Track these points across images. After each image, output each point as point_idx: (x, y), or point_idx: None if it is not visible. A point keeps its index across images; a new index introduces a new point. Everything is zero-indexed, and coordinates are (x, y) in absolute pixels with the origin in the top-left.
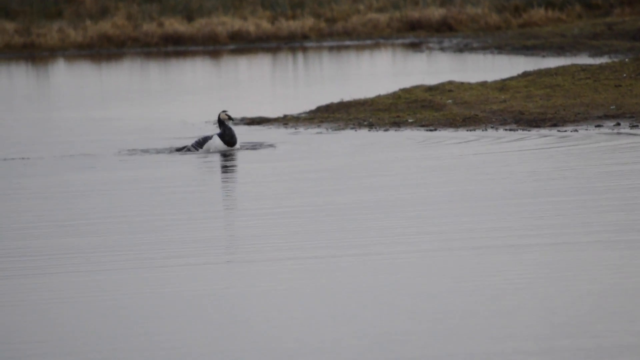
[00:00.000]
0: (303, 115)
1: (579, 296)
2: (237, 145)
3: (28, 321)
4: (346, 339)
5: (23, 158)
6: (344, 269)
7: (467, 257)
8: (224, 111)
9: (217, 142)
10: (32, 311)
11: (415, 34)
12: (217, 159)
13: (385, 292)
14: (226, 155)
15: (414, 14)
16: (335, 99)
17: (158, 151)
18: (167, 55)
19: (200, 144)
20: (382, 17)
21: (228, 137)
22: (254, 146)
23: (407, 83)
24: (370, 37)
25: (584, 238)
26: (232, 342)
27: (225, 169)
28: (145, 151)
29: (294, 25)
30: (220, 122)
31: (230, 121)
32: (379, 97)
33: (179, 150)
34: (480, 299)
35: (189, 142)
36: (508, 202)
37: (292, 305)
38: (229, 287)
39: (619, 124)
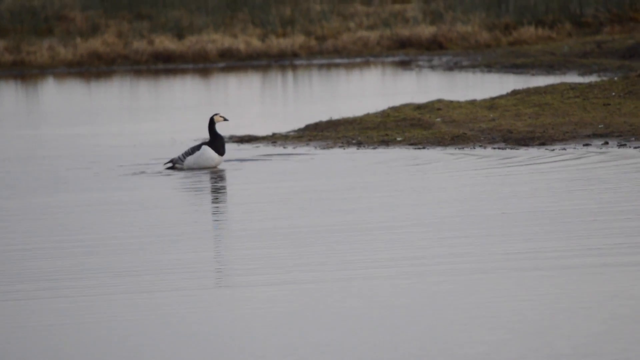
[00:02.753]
0: (292, 133)
1: (575, 323)
2: (223, 158)
3: (19, 344)
4: None
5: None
6: (334, 292)
7: (462, 281)
8: (216, 114)
9: (208, 153)
10: (19, 336)
11: (405, 52)
12: (204, 179)
13: (379, 316)
14: (213, 175)
15: (404, 32)
16: (324, 117)
17: (147, 170)
18: (157, 72)
19: (187, 154)
20: (373, 35)
21: (220, 145)
22: (242, 165)
23: (396, 101)
24: (361, 55)
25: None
26: None
27: (213, 189)
28: (134, 169)
29: (284, 43)
30: (212, 128)
31: (226, 122)
32: (367, 115)
33: (167, 165)
34: (478, 324)
35: (176, 157)
36: (499, 224)
37: (282, 330)
38: (217, 311)
39: (607, 143)
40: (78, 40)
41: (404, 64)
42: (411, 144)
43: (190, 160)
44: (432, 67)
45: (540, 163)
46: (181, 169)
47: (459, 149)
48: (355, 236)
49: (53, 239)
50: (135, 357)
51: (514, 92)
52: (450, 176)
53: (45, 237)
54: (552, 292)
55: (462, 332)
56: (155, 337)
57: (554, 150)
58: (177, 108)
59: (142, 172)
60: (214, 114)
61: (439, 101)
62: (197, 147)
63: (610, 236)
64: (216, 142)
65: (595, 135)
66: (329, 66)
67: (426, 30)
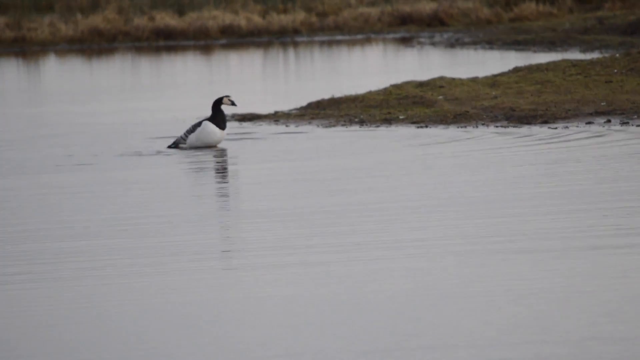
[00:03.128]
0: (294, 111)
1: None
2: (225, 133)
3: (16, 329)
4: (345, 348)
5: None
6: (342, 274)
7: (471, 262)
8: (227, 96)
9: (209, 127)
10: (19, 319)
11: (407, 29)
12: (205, 159)
13: (387, 299)
14: (215, 154)
15: (405, 8)
16: (326, 95)
17: (148, 149)
18: (158, 49)
19: (189, 132)
20: (374, 11)
21: (220, 120)
22: (245, 144)
23: (398, 79)
24: (362, 32)
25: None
26: (225, 351)
27: (215, 169)
28: (136, 149)
29: (285, 19)
30: (217, 107)
31: (234, 106)
32: (370, 93)
33: (170, 146)
34: (486, 306)
35: (179, 136)
36: (507, 204)
37: (289, 313)
38: (223, 293)
39: (609, 121)
40: (79, 16)
41: (405, 41)
42: (414, 122)
43: (192, 137)
44: (434, 44)
45: (560, 141)
46: (184, 149)
47: (462, 127)
48: (361, 217)
49: (51, 221)
50: (140, 340)
51: (516, 69)
52: (456, 155)
53: (43, 218)
54: (566, 273)
55: (465, 314)
56: (159, 320)
57: (556, 128)
58: (179, 85)
59: (144, 152)
60: (224, 95)
61: (441, 78)
62: (198, 124)
63: None
64: (217, 117)
65: (598, 113)
66: (330, 43)
67: (427, 7)
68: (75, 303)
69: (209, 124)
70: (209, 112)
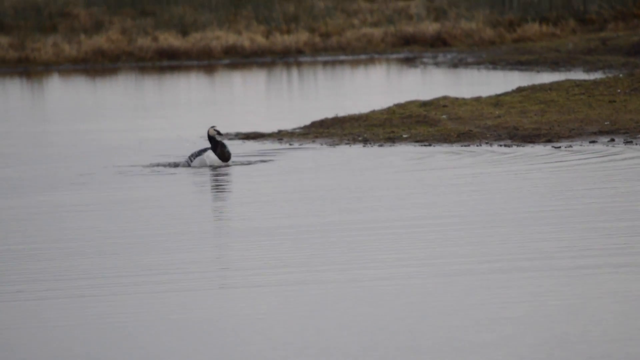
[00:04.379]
0: (297, 130)
1: (585, 322)
2: (230, 162)
3: (24, 343)
4: None
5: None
6: (340, 294)
7: (465, 282)
8: (212, 127)
9: (211, 157)
10: (26, 336)
11: (410, 49)
12: (210, 178)
13: (385, 317)
14: (220, 173)
15: (408, 28)
16: (329, 114)
17: (152, 168)
18: (162, 69)
19: (194, 156)
20: (377, 32)
21: (219, 153)
22: (249, 163)
23: (402, 98)
24: (365, 52)
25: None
26: None
27: (219, 187)
28: (139, 168)
29: (288, 39)
30: (211, 138)
31: (220, 136)
32: (373, 112)
33: (173, 166)
34: (481, 325)
35: (182, 159)
36: (508, 224)
37: (287, 330)
38: (222, 310)
39: (613, 140)
40: (82, 37)
41: (409, 61)
42: (417, 141)
43: (196, 162)
44: (437, 64)
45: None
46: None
47: (465, 146)
48: (362, 235)
49: (54, 240)
50: (139, 356)
51: (519, 89)
52: (460, 174)
53: (46, 237)
54: (562, 291)
55: (466, 330)
56: (158, 336)
57: (560, 147)
58: (182, 105)
59: (147, 170)
60: (210, 126)
61: (444, 98)
62: (203, 151)
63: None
64: (217, 150)
65: (602, 132)
66: (333, 63)
67: (430, 27)
68: (77, 320)
69: (212, 154)
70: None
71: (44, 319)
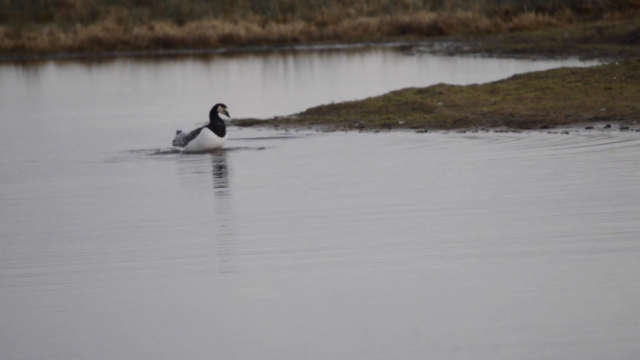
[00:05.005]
0: (293, 117)
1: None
2: (225, 139)
3: (22, 330)
4: (344, 349)
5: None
6: (338, 277)
7: (468, 266)
8: (222, 105)
9: (208, 135)
10: (24, 320)
11: (406, 38)
12: (205, 163)
13: (381, 302)
14: (215, 158)
15: (405, 17)
16: (325, 101)
17: (148, 154)
18: (158, 58)
19: (188, 138)
20: (373, 21)
21: (219, 128)
22: (245, 149)
23: (398, 86)
24: (361, 41)
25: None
26: (222, 352)
27: (215, 173)
28: (135, 154)
29: (284, 28)
30: (213, 114)
31: (227, 117)
32: (369, 99)
33: (174, 147)
34: (479, 311)
35: (176, 143)
36: (506, 209)
37: (285, 316)
38: (222, 296)
39: (609, 126)
40: (78, 26)
41: (405, 49)
42: (413, 127)
43: (192, 144)
44: (433, 53)
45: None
46: (183, 153)
47: (461, 132)
48: (360, 220)
49: (53, 224)
50: (137, 342)
51: (515, 77)
52: (455, 159)
53: (45, 222)
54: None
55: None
56: (157, 322)
57: (556, 133)
58: (178, 93)
59: (143, 156)
60: (219, 104)
61: (441, 85)
62: (197, 131)
63: None
64: (216, 124)
65: (597, 119)
66: (329, 52)
67: (426, 16)
68: (74, 305)
69: (208, 131)
70: (207, 119)
71: (37, 304)
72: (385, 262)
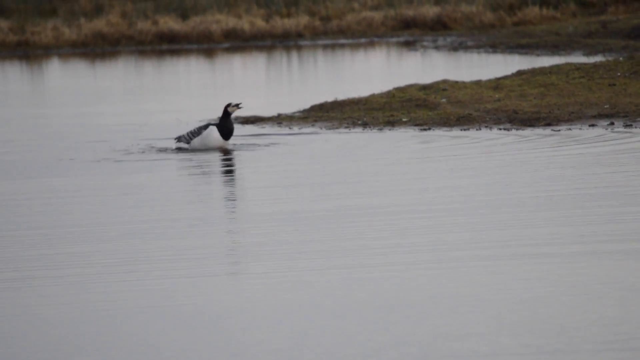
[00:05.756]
0: (297, 114)
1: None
2: (230, 141)
3: (24, 332)
4: (349, 352)
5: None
6: (343, 279)
7: (473, 269)
8: (237, 105)
9: (214, 134)
10: (27, 322)
11: (410, 32)
12: (209, 162)
13: (388, 306)
14: (219, 157)
15: (409, 12)
16: (329, 97)
17: (152, 151)
18: (162, 53)
19: (194, 134)
20: (377, 16)
21: (227, 130)
22: (249, 147)
23: (402, 82)
24: (365, 36)
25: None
26: (228, 354)
27: (219, 172)
28: (139, 151)
29: (288, 23)
30: (226, 112)
31: (239, 108)
32: (373, 96)
33: (177, 144)
34: (484, 314)
35: (182, 141)
36: (510, 209)
37: (291, 318)
38: (228, 299)
39: (612, 123)
40: (82, 20)
41: (409, 45)
42: (417, 125)
43: (196, 141)
44: (437, 48)
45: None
46: (187, 150)
47: (465, 129)
48: (367, 221)
49: (58, 225)
50: (144, 343)
51: (519, 73)
52: (460, 158)
53: (50, 222)
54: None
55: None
56: (163, 323)
57: (560, 130)
58: (182, 88)
59: (147, 154)
60: (233, 104)
61: (444, 82)
62: (204, 127)
63: None
64: (225, 125)
65: (601, 116)
66: (333, 47)
67: (430, 11)
68: (81, 306)
69: (214, 131)
70: (211, 115)
71: (47, 306)
72: (397, 264)
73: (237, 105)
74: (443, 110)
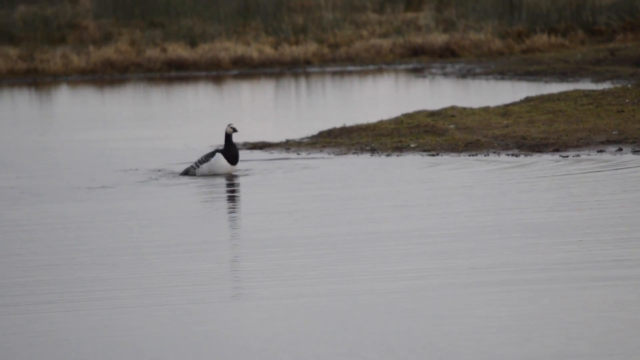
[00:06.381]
0: (305, 140)
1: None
2: (238, 166)
3: (30, 353)
4: None
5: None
6: (350, 305)
7: (472, 294)
8: (229, 125)
9: (220, 161)
10: (30, 347)
11: (418, 60)
12: (216, 187)
13: (395, 329)
14: (227, 182)
15: (417, 39)
16: (337, 124)
17: (160, 177)
18: (170, 80)
19: (202, 161)
20: (385, 43)
21: (232, 155)
22: (257, 172)
23: (410, 108)
24: (373, 63)
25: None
26: None
27: (227, 197)
28: (147, 177)
29: (297, 50)
30: (227, 137)
31: (235, 133)
32: (381, 122)
33: (182, 174)
34: (483, 339)
35: (189, 166)
36: (514, 236)
37: (297, 343)
38: (232, 324)
39: (621, 150)
40: (91, 48)
41: (417, 72)
42: (425, 151)
43: (204, 168)
44: (445, 75)
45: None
46: (195, 176)
47: (473, 155)
48: (374, 246)
49: (66, 250)
50: None
51: (527, 99)
52: (468, 184)
53: (57, 248)
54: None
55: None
56: (169, 348)
57: (567, 156)
58: (191, 115)
59: (155, 180)
60: (228, 124)
61: (453, 108)
62: (211, 154)
63: None
64: (230, 151)
65: (610, 142)
66: (342, 73)
67: (439, 38)
68: (87, 330)
69: (220, 158)
70: (219, 141)
71: (46, 330)
72: (401, 290)
73: (232, 128)
74: (451, 136)
